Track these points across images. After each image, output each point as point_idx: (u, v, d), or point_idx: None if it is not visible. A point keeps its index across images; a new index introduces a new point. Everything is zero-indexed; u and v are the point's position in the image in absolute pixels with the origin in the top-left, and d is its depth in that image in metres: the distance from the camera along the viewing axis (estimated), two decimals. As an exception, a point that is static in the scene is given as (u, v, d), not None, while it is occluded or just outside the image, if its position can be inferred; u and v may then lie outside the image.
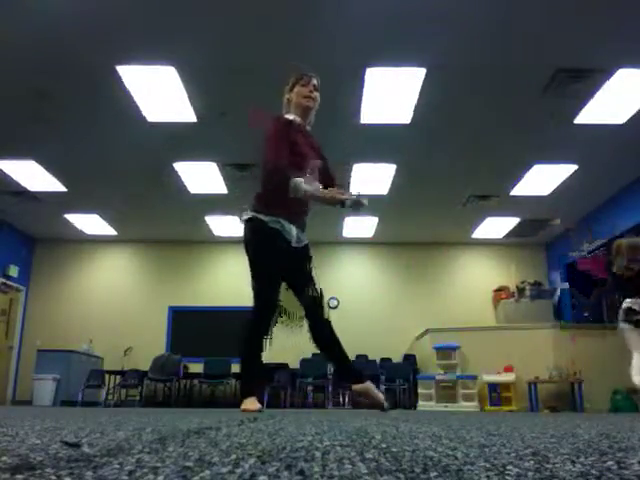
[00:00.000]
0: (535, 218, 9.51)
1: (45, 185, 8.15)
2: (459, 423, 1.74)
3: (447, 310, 10.13)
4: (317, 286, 3.07)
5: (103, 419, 1.84)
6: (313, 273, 3.09)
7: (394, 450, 0.77)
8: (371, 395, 3.01)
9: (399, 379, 8.53)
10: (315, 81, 3.13)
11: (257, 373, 3.05)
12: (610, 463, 0.65)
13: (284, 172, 2.81)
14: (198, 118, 6.35)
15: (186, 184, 8.17)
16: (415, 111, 6.16)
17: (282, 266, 2.97)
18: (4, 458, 0.64)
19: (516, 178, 7.92)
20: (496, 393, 7.40)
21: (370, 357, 9.65)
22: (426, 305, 10.40)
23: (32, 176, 7.84)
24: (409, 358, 9.70)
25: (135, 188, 8.45)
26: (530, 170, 7.64)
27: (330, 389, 8.63)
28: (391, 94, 5.90)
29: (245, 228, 3.01)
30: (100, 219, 9.72)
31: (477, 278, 10.76)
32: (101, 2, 4.59)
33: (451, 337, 8.01)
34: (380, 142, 6.84)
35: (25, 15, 4.70)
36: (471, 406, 7.26)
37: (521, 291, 10.30)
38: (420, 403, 7.74)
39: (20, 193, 8.42)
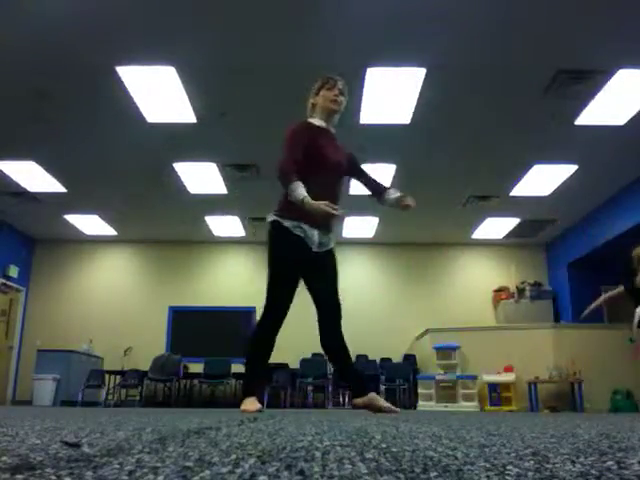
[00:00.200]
0: (535, 218, 9.51)
1: (45, 186, 8.15)
2: (459, 423, 1.74)
3: (447, 310, 10.13)
4: (336, 294, 3.01)
5: (103, 419, 1.84)
6: (334, 280, 3.04)
7: (394, 450, 0.77)
8: (374, 406, 2.99)
9: (399, 379, 8.53)
10: (340, 85, 3.12)
11: (260, 373, 3.04)
12: (610, 463, 0.65)
13: (287, 175, 2.80)
14: (198, 118, 6.35)
15: (186, 184, 8.17)
16: (415, 111, 6.16)
17: (300, 272, 2.96)
18: (4, 458, 0.64)
19: (516, 178, 7.92)
20: (496, 393, 7.41)
21: (370, 357, 9.65)
22: (426, 305, 10.40)
23: (32, 177, 7.84)
24: (409, 358, 9.71)
25: (135, 188, 8.45)
26: (530, 170, 7.64)
27: (330, 389, 8.63)
28: (391, 94, 5.90)
29: (268, 230, 3.00)
30: (100, 219, 9.73)
31: (477, 278, 10.76)
32: (101, 2, 4.58)
33: (451, 337, 8.01)
34: (380, 142, 6.83)
35: (25, 16, 4.70)
36: (471, 406, 7.26)
37: (521, 291, 10.30)
38: (420, 403, 7.74)
39: (20, 194, 8.42)
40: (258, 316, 3.04)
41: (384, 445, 0.85)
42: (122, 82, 5.61)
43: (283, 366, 8.80)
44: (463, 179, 8.02)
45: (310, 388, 8.73)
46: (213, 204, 8.94)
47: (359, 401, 3.00)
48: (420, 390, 7.79)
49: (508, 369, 7.49)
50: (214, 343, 9.85)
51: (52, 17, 4.72)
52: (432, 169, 7.73)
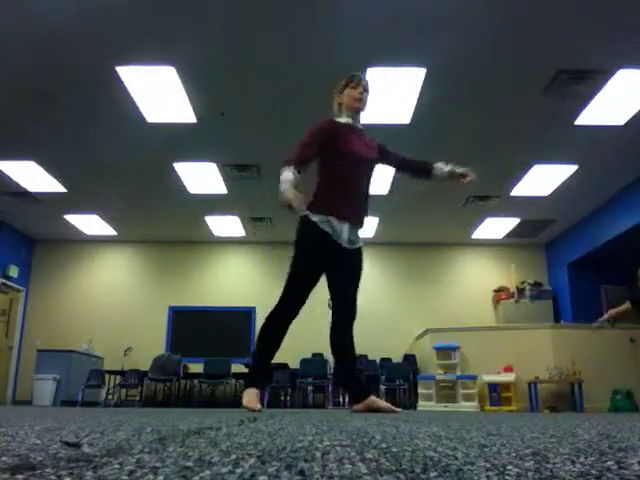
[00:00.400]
0: (535, 218, 9.51)
1: (45, 186, 8.16)
2: (459, 423, 1.73)
3: (447, 310, 10.13)
4: (355, 299, 3.02)
5: (103, 419, 1.84)
6: (356, 283, 3.02)
7: (394, 450, 0.77)
8: (374, 408, 2.98)
9: (399, 379, 8.53)
10: (364, 82, 3.13)
11: (263, 367, 3.01)
12: (610, 463, 0.65)
13: (285, 163, 2.78)
14: (198, 118, 6.35)
15: (186, 184, 8.17)
16: (415, 111, 6.16)
17: (324, 268, 2.93)
18: (4, 458, 0.64)
19: (516, 178, 7.91)
20: (496, 393, 7.40)
21: (370, 357, 9.63)
22: (426, 305, 10.40)
23: (32, 177, 7.85)
24: (409, 358, 9.69)
25: (135, 188, 8.45)
26: (530, 170, 7.64)
27: (330, 389, 8.62)
28: (391, 94, 5.90)
29: (298, 223, 2.96)
30: (100, 219, 9.72)
31: (477, 278, 10.76)
32: (101, 2, 4.58)
33: (451, 337, 8.01)
34: (380, 142, 6.82)
35: (25, 16, 4.70)
36: (471, 406, 7.25)
37: (521, 291, 10.30)
38: (420, 403, 7.74)
39: (20, 194, 8.43)
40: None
41: (384, 445, 0.85)
42: (122, 82, 5.61)
43: (283, 366, 8.80)
44: (463, 179, 8.01)
45: (310, 388, 8.72)
46: (213, 204, 8.94)
47: (359, 407, 2.99)
48: (420, 390, 7.78)
49: (508, 369, 7.49)
50: (214, 343, 9.85)
51: (52, 17, 4.72)
52: (432, 169, 7.72)
